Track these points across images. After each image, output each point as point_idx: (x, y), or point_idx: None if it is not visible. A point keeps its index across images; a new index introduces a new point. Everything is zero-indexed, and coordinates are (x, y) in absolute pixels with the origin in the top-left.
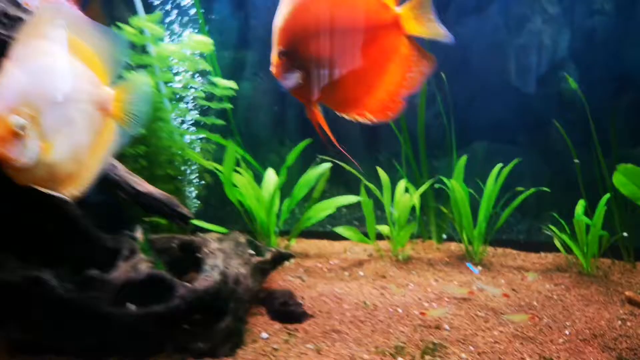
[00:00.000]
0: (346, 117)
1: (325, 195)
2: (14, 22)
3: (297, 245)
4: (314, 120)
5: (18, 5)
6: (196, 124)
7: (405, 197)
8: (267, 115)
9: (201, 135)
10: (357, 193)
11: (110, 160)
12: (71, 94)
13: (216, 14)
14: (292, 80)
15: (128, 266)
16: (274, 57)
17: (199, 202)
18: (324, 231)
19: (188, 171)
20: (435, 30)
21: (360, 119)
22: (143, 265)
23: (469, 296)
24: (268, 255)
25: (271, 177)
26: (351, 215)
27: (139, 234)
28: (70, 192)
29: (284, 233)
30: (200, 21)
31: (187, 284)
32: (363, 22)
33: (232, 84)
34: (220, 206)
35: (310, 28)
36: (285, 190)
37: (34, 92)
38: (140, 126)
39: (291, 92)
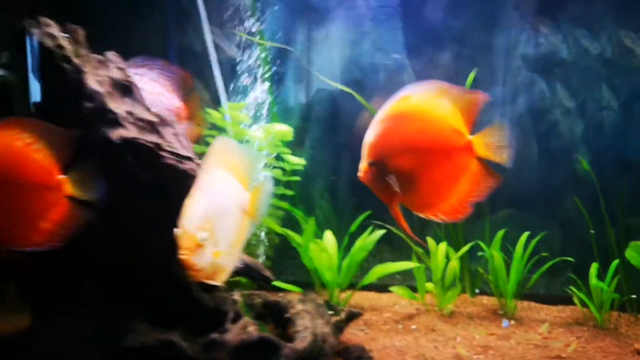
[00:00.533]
0: (422, 215)
1: (373, 253)
2: (146, 124)
3: (352, 298)
4: (395, 217)
5: (150, 111)
6: None
7: (452, 263)
8: (323, 183)
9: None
10: (400, 251)
11: None
12: (231, 207)
13: (282, 98)
14: (378, 185)
15: (238, 329)
16: (363, 165)
17: (265, 259)
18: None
19: (261, 234)
20: (502, 156)
21: (434, 218)
22: (251, 327)
23: (509, 348)
24: (342, 315)
25: (330, 240)
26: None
27: (237, 295)
28: (221, 280)
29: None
30: (273, 107)
31: (290, 345)
32: (440, 144)
33: (301, 160)
34: (281, 261)
35: (396, 145)
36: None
37: (211, 211)
38: (261, 219)
39: (376, 193)
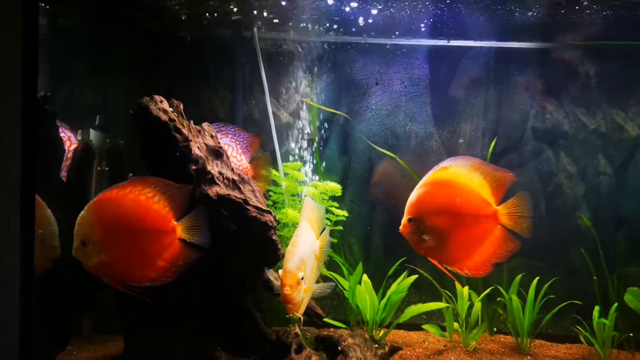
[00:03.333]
0: (452, 269)
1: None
2: (231, 182)
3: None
4: (437, 264)
5: (233, 171)
6: None
7: (477, 305)
8: (359, 232)
9: None
10: (426, 293)
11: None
12: (310, 252)
13: (328, 157)
14: (415, 238)
15: (303, 358)
16: (404, 220)
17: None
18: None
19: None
20: (522, 226)
21: (459, 272)
22: (314, 357)
23: None
24: (386, 348)
25: (367, 283)
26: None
27: (298, 330)
28: (301, 312)
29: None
30: (320, 166)
31: None
32: (470, 210)
33: (344, 213)
34: (318, 301)
35: (434, 207)
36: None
37: (305, 255)
38: (323, 261)
39: (413, 245)
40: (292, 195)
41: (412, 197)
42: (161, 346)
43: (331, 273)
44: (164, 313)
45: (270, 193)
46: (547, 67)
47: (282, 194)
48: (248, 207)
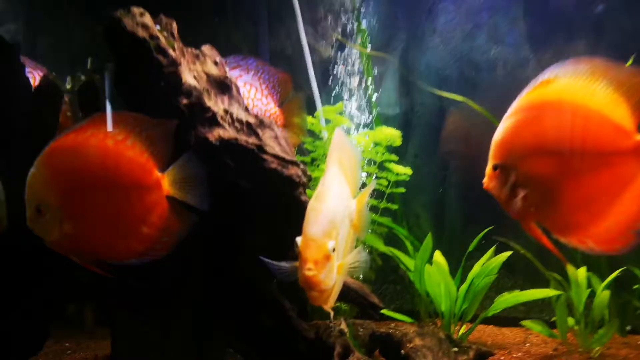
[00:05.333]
0: (565, 242)
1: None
2: (244, 126)
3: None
4: (533, 235)
5: (248, 111)
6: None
7: (603, 294)
8: (428, 197)
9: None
10: (523, 276)
11: None
12: (344, 215)
13: (383, 100)
14: (505, 195)
15: None
16: (488, 169)
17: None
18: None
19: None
20: None
21: (580, 247)
22: None
23: None
24: (470, 354)
25: (440, 262)
26: None
27: (343, 326)
28: (330, 304)
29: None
30: (375, 109)
31: None
32: (595, 146)
33: (407, 170)
34: (380, 285)
35: (533, 144)
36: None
37: (337, 216)
38: (364, 234)
39: (503, 206)
40: None
41: (499, 132)
42: (153, 348)
43: (391, 249)
44: (156, 305)
45: (307, 146)
46: None
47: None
48: (265, 156)
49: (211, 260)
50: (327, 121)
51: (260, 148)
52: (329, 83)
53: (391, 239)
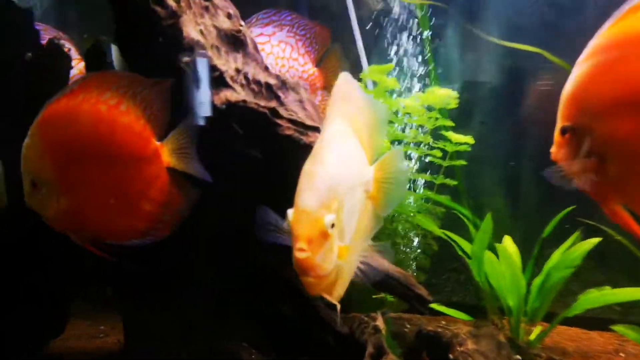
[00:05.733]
0: None
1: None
2: (261, 87)
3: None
4: (614, 218)
5: (268, 70)
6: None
7: None
8: (497, 171)
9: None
10: (616, 268)
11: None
12: (356, 184)
13: (444, 57)
14: (579, 167)
15: None
16: (556, 133)
17: (417, 272)
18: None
19: (414, 239)
20: None
21: None
22: None
23: None
24: None
25: (511, 249)
26: None
27: (379, 321)
28: (337, 296)
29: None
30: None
31: None
32: None
33: (468, 139)
34: (438, 275)
35: (614, 96)
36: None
37: (340, 183)
38: (391, 209)
39: (578, 183)
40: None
41: (569, 84)
42: (166, 341)
43: (446, 232)
44: (162, 292)
45: None
46: None
47: None
48: (279, 121)
49: (218, 242)
50: (375, 84)
51: (274, 111)
52: (378, 40)
53: (451, 221)
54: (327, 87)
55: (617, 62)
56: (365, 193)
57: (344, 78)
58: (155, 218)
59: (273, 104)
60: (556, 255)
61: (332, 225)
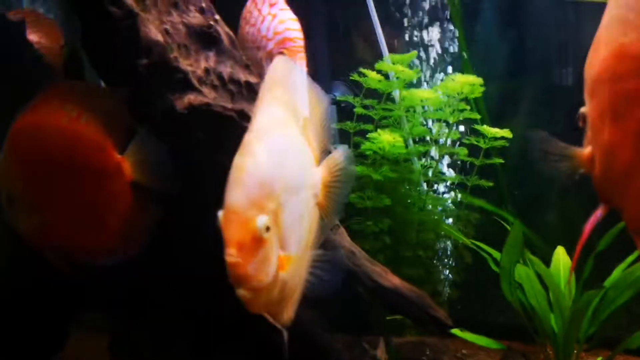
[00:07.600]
0: None
1: None
2: (242, 90)
3: None
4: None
5: (249, 68)
6: (453, 185)
7: None
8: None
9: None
10: None
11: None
12: (301, 182)
13: (479, 38)
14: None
15: None
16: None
17: (451, 288)
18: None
19: (441, 251)
20: None
21: None
22: None
23: None
24: None
25: (563, 261)
26: None
27: (380, 350)
28: (286, 316)
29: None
30: (465, 54)
31: None
32: None
33: (505, 132)
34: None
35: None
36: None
37: (275, 177)
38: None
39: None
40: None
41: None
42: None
43: (476, 242)
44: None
45: (360, 111)
46: None
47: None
48: (247, 124)
49: (180, 259)
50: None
51: (242, 114)
52: (402, 23)
53: (490, 229)
54: None
55: None
56: (314, 198)
57: (282, 60)
58: (123, 235)
59: (244, 105)
60: (616, 273)
61: (268, 229)
